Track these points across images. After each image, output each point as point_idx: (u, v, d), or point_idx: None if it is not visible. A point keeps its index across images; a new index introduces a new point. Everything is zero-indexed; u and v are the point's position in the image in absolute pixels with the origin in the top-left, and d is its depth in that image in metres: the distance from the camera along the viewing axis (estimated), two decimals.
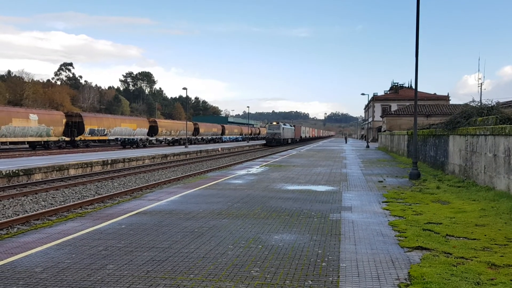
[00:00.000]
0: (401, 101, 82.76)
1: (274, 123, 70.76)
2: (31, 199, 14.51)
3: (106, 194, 15.50)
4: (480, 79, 71.32)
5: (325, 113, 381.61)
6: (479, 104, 17.86)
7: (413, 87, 78.39)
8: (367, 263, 6.07)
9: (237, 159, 37.47)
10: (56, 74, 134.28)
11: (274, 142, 66.92)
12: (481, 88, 57.01)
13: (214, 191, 13.30)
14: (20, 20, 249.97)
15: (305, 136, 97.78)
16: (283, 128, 69.53)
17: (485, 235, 7.67)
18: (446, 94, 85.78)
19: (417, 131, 20.27)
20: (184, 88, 54.83)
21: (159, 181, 19.77)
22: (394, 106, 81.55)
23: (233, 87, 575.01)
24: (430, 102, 70.16)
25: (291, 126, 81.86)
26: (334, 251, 6.64)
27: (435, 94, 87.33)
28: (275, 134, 67.64)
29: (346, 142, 79.63)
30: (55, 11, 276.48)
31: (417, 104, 18.55)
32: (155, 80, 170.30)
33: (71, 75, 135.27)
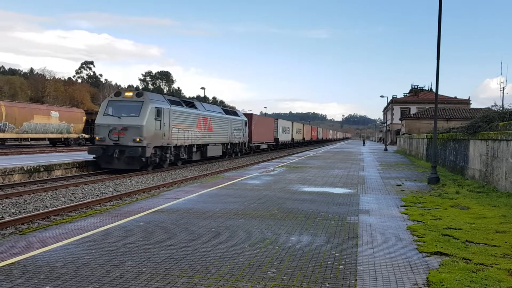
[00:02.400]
0: (421, 104, 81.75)
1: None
2: (51, 195, 14.77)
3: (124, 192, 15.67)
4: (503, 83, 69.72)
5: (343, 115, 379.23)
6: (501, 108, 17.54)
7: (433, 90, 76.59)
8: (384, 267, 6.02)
9: (253, 159, 37.49)
10: (77, 72, 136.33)
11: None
12: (503, 92, 55.97)
13: (231, 191, 13.34)
14: (45, 19, 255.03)
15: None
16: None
17: (506, 242, 7.54)
18: (467, 98, 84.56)
19: (437, 134, 20.00)
20: (202, 88, 55.31)
21: (176, 179, 19.91)
22: (413, 109, 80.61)
23: (250, 87, 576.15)
24: (450, 106, 69.22)
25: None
26: (352, 254, 6.61)
27: (455, 97, 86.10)
28: None
29: (364, 145, 78.93)
30: (78, 11, 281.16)
31: (437, 107, 18.31)
32: (174, 79, 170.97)
33: (91, 74, 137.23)
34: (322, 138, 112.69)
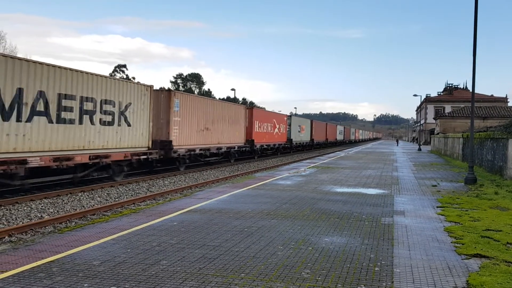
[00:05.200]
0: (455, 102, 79.60)
1: None
2: (87, 195, 15.14)
3: (158, 192, 15.92)
4: None
5: (374, 115, 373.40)
6: None
7: (468, 88, 74.61)
8: (422, 270, 5.87)
9: (284, 160, 37.40)
10: (110, 76, 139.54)
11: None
12: None
13: (262, 191, 13.33)
14: (82, 24, 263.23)
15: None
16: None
17: None
18: (505, 96, 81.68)
19: (474, 134, 19.41)
20: (233, 89, 55.64)
21: (208, 180, 20.07)
22: (448, 108, 78.58)
23: (280, 88, 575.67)
24: (487, 104, 67.11)
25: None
26: (387, 256, 6.48)
27: (492, 95, 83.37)
28: None
29: (397, 145, 77.49)
30: (114, 15, 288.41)
31: (474, 105, 17.77)
32: (204, 81, 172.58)
33: (124, 76, 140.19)
34: (355, 139, 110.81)
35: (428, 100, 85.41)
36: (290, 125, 47.34)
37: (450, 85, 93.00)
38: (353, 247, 6.95)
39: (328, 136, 69.97)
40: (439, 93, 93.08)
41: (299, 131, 51.25)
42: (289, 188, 14.37)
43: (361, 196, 12.86)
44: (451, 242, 7.40)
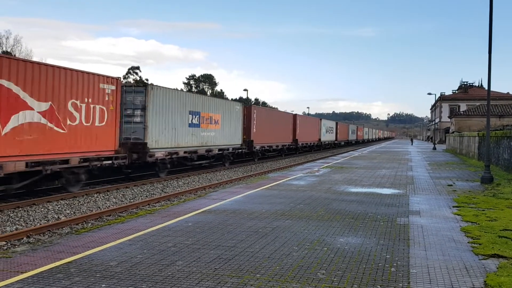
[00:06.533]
0: (471, 101, 78.54)
1: None
2: (103, 196, 15.30)
3: (172, 193, 16.02)
4: None
5: (388, 114, 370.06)
6: None
7: (484, 86, 73.58)
8: (439, 270, 5.82)
9: (297, 160, 37.32)
10: (124, 78, 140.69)
11: None
12: None
13: (276, 192, 13.34)
14: (97, 27, 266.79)
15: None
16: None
17: None
18: None
19: (490, 132, 19.14)
20: (245, 90, 55.79)
21: (221, 181, 20.13)
22: (463, 106, 77.59)
23: (292, 88, 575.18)
24: (503, 102, 66.12)
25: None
26: (403, 256, 6.44)
27: (508, 93, 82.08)
28: None
29: (412, 144, 76.76)
30: (129, 18, 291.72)
31: (490, 103, 17.54)
32: (217, 82, 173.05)
33: (138, 78, 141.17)
34: (368, 138, 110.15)
35: (442, 98, 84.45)
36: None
37: (465, 83, 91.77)
38: (369, 248, 6.92)
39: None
40: (454, 91, 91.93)
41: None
42: (303, 188, 14.35)
43: (376, 196, 12.79)
44: (468, 242, 7.33)
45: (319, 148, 54.45)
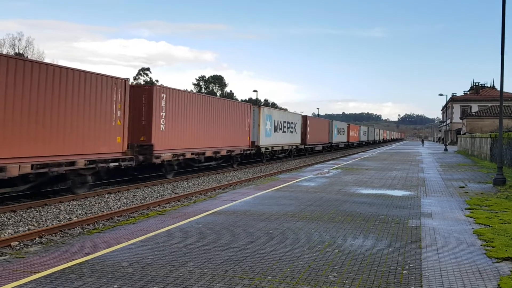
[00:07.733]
0: (482, 101, 77.77)
1: None
2: (114, 197, 15.39)
3: (182, 194, 16.07)
4: None
5: (399, 115, 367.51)
6: None
7: (496, 87, 72.65)
8: (451, 273, 5.77)
9: (307, 161, 37.25)
10: (134, 79, 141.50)
11: None
12: None
13: (286, 193, 13.31)
14: (108, 29, 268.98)
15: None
16: None
17: None
18: None
19: (503, 133, 18.93)
20: (255, 91, 55.86)
21: (231, 181, 20.16)
22: (474, 107, 76.85)
23: (302, 89, 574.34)
24: None
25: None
26: (415, 259, 6.39)
27: None
28: None
29: (423, 145, 76.18)
30: (140, 20, 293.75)
31: (502, 104, 17.35)
32: (226, 83, 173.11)
33: (148, 79, 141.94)
34: (379, 139, 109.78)
35: (454, 99, 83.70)
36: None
37: (477, 83, 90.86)
38: (380, 250, 6.87)
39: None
40: (465, 92, 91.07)
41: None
42: (313, 189, 14.31)
43: (387, 198, 12.71)
44: (481, 245, 7.25)
45: (330, 150, 55.41)
